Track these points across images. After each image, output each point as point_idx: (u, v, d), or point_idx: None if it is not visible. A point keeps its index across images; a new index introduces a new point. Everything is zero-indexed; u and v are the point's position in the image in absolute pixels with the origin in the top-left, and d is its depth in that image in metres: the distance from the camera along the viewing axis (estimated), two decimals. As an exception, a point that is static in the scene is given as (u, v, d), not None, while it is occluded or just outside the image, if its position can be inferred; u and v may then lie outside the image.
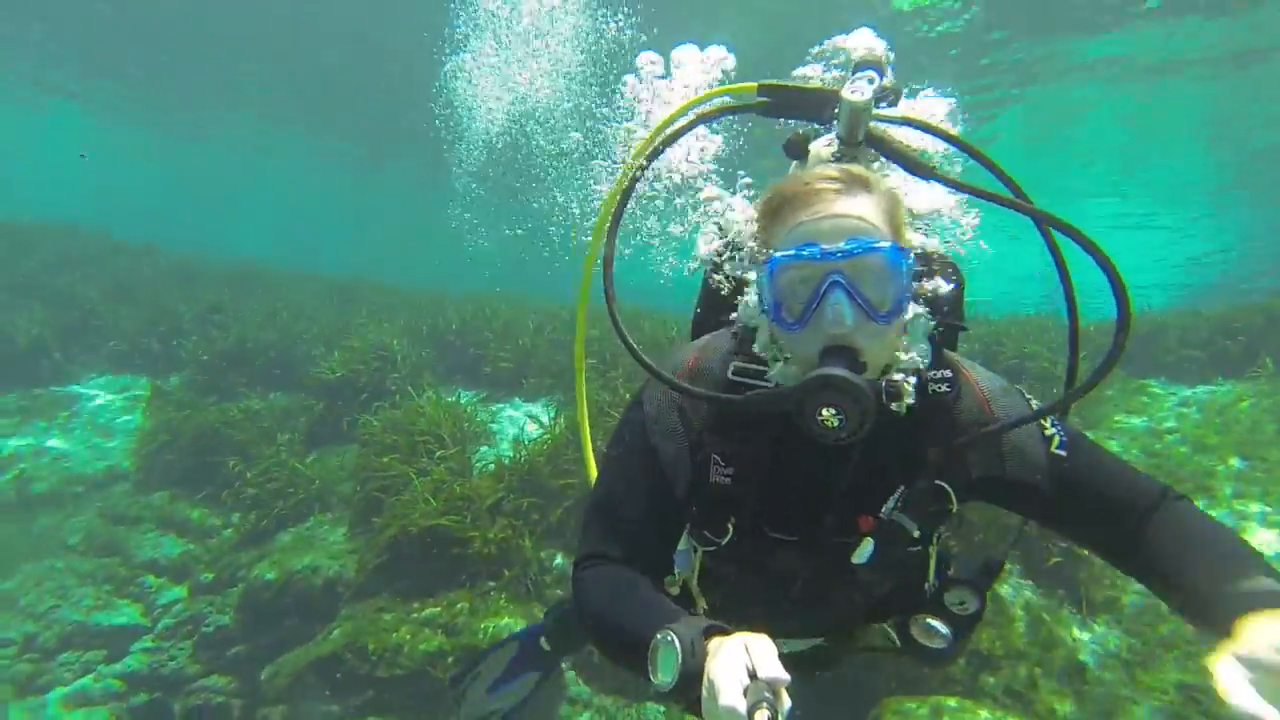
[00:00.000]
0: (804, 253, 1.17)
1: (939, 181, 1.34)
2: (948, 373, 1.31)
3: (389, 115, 14.49)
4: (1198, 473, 5.43)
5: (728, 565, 1.44)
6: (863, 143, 1.41)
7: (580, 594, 1.33)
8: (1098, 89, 11.70)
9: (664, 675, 1.02)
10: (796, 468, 1.33)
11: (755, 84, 1.53)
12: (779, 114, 1.52)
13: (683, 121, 1.60)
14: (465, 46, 7.57)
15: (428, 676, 4.34)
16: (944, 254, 1.43)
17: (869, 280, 1.17)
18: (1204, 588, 1.13)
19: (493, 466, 5.87)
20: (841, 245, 1.16)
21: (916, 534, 1.30)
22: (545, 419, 7.02)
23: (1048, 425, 1.34)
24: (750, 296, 1.36)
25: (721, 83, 1.66)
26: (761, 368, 1.33)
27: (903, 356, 1.26)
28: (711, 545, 1.38)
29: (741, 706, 0.89)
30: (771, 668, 0.93)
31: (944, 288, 1.36)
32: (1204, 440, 5.83)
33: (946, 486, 1.31)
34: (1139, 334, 8.37)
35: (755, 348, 1.35)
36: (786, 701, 0.91)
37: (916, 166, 1.35)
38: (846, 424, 1.11)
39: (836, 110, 1.41)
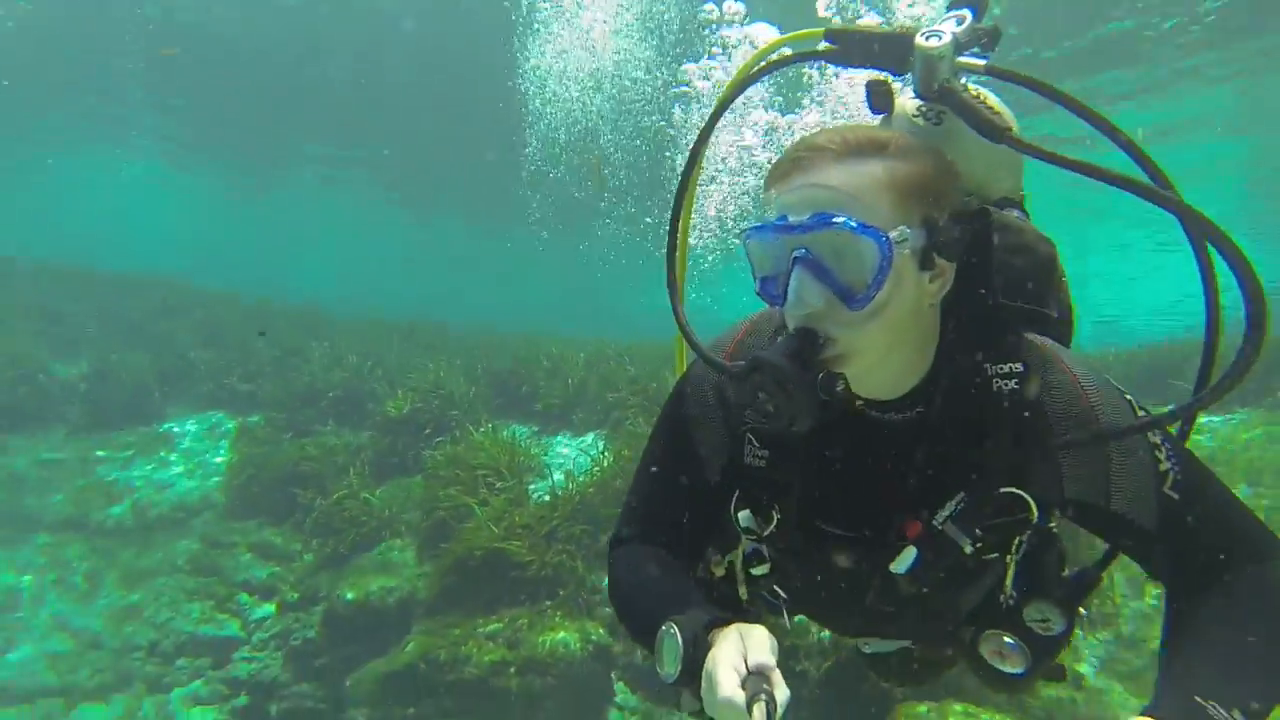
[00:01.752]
0: (765, 227, 1.09)
1: (1011, 145, 1.15)
2: (1017, 365, 1.14)
3: (451, 159, 15.18)
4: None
5: (779, 554, 1.34)
6: (939, 97, 1.24)
7: (610, 574, 1.35)
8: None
9: (669, 667, 1.02)
10: (846, 457, 1.21)
11: (821, 29, 1.42)
12: (848, 62, 1.37)
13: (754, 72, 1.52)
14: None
15: (492, 683, 4.88)
16: (1019, 226, 1.25)
17: (839, 256, 1.03)
18: (1187, 657, 1.05)
19: (547, 497, 6.45)
20: (803, 219, 1.04)
21: (968, 549, 1.14)
22: (594, 452, 7.60)
23: (1162, 456, 1.14)
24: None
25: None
26: None
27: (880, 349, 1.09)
28: (753, 533, 1.28)
29: (740, 698, 0.89)
30: (760, 655, 0.93)
31: (1016, 260, 1.19)
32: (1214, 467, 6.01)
33: (1025, 495, 1.13)
34: (1156, 363, 8.54)
35: None
36: (783, 691, 0.90)
37: (987, 127, 1.16)
38: (779, 413, 1.03)
39: (911, 58, 1.25)
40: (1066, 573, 1.38)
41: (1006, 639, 1.32)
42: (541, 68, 9.23)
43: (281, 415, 9.15)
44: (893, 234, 1.02)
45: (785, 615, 1.41)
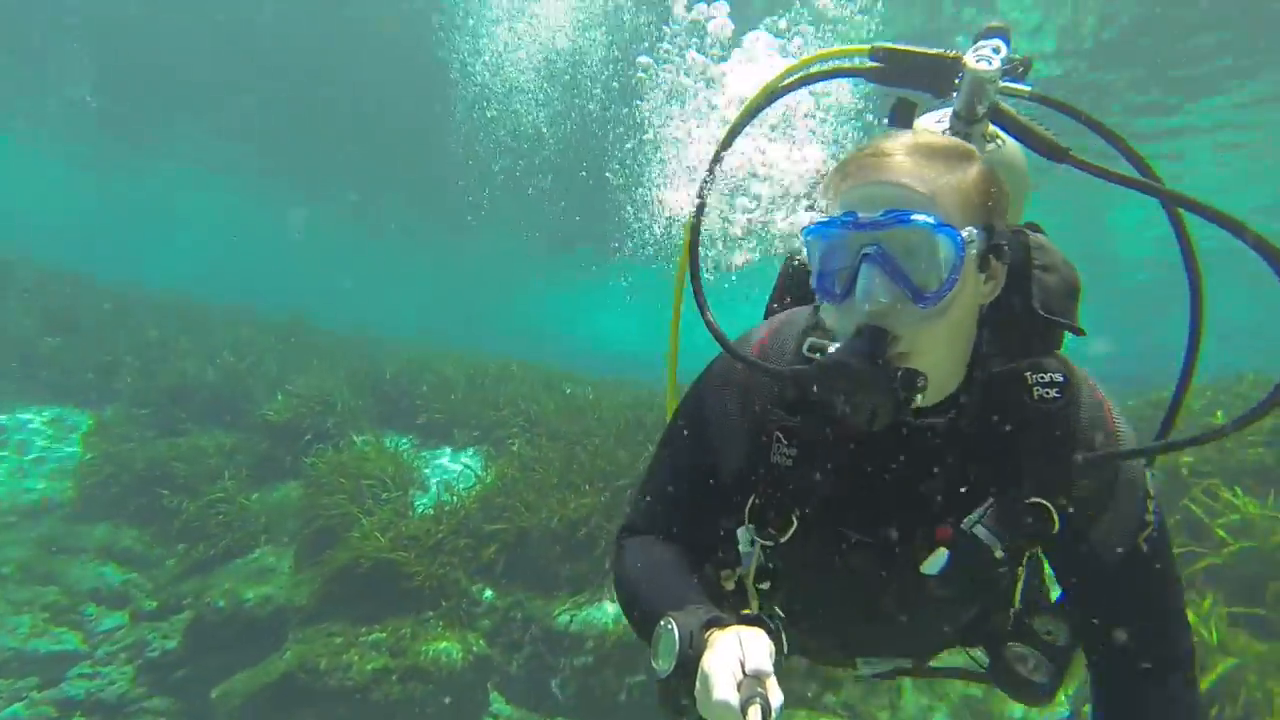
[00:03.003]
0: (835, 221, 1.09)
1: (1073, 165, 1.21)
2: (1059, 376, 1.16)
3: (357, 140, 14.08)
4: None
5: (791, 564, 1.34)
6: (983, 119, 1.30)
7: (616, 564, 1.36)
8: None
9: (663, 662, 1.03)
10: (873, 458, 1.21)
11: (869, 46, 1.44)
12: (892, 80, 1.41)
13: (789, 81, 1.54)
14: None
15: (375, 692, 5.10)
16: (1051, 248, 1.30)
17: (911, 257, 1.06)
18: None
19: (431, 510, 6.70)
20: (875, 215, 1.06)
21: (999, 553, 1.15)
22: (476, 468, 7.91)
23: (1151, 508, 1.18)
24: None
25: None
26: (832, 343, 1.19)
27: (940, 348, 1.11)
28: (772, 540, 1.28)
29: (735, 701, 0.89)
30: (758, 660, 0.93)
31: (1049, 277, 1.23)
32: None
33: (1049, 505, 1.14)
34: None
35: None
36: (777, 696, 0.91)
37: (1047, 147, 1.23)
38: (856, 414, 1.05)
39: (957, 80, 1.30)
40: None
41: (1026, 649, 1.33)
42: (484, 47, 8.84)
43: (145, 412, 8.64)
44: (963, 234, 1.05)
45: (782, 641, 1.35)
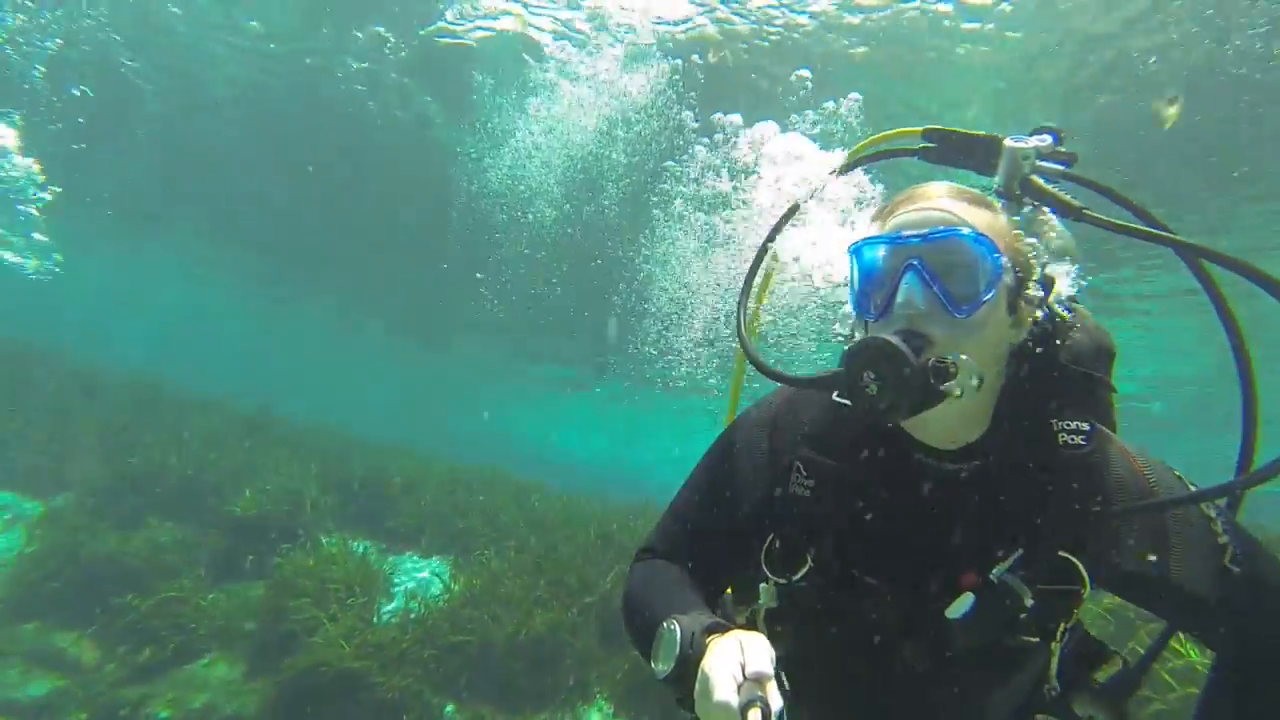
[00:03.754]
0: (881, 238, 1.18)
1: (1088, 221, 1.29)
2: (1084, 425, 1.18)
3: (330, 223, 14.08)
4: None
5: (803, 609, 1.29)
6: (1020, 195, 1.41)
7: (627, 581, 1.39)
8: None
9: (663, 663, 1.03)
10: (894, 501, 1.22)
11: (920, 129, 1.58)
12: (942, 160, 1.55)
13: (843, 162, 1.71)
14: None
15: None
16: (1083, 311, 1.35)
17: (949, 270, 1.14)
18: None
19: (396, 618, 6.63)
20: (921, 231, 1.15)
21: (1029, 601, 1.12)
22: (444, 576, 7.87)
23: (1219, 529, 1.16)
24: (848, 306, 1.29)
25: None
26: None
27: (969, 361, 1.11)
28: (784, 578, 1.26)
29: (735, 703, 0.89)
30: (758, 663, 0.93)
31: (1078, 335, 1.27)
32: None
33: (1077, 562, 1.13)
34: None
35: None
36: (777, 700, 0.91)
37: (1063, 207, 1.35)
38: (883, 392, 1.06)
39: (998, 159, 1.43)
40: (1104, 676, 1.36)
41: None
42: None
43: (96, 500, 8.41)
44: (1002, 256, 1.14)
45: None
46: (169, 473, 8.97)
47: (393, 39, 8.78)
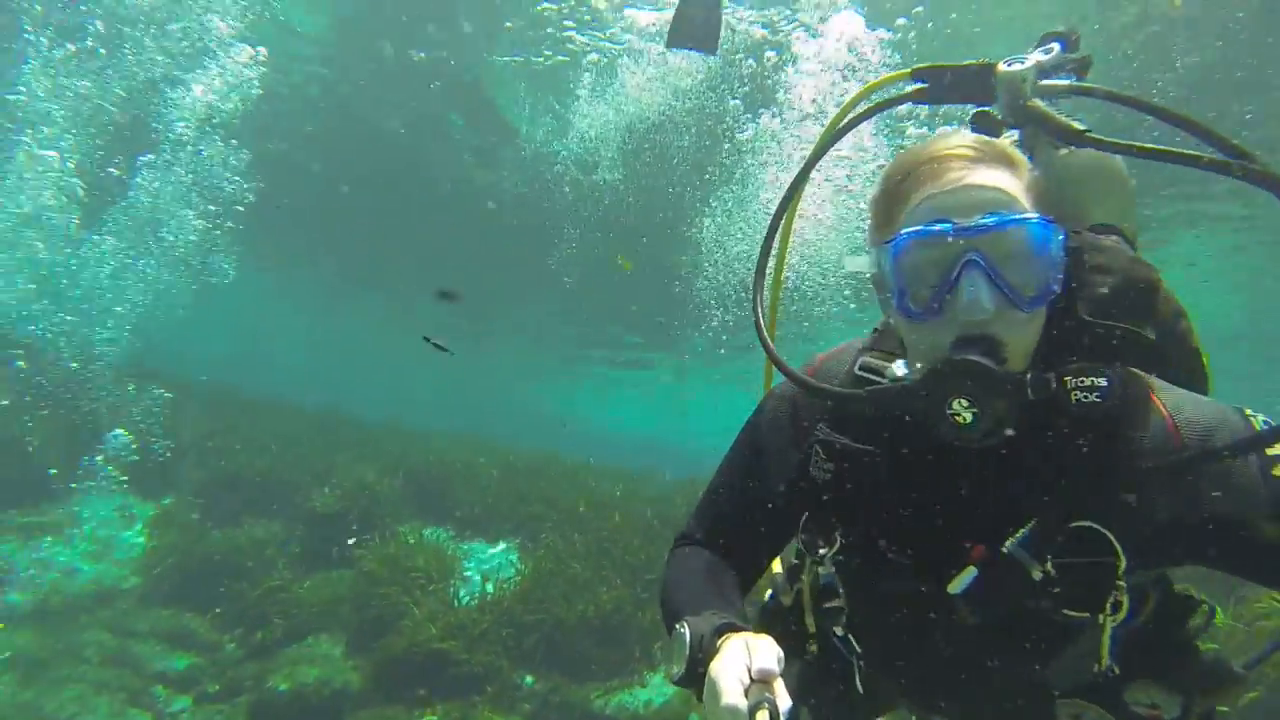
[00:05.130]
0: (935, 229, 1.03)
1: (1093, 145, 1.21)
2: (1100, 380, 1.05)
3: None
4: None
5: (846, 583, 1.29)
6: (1028, 122, 1.30)
7: (664, 570, 1.40)
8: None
9: (676, 666, 1.03)
10: (911, 477, 1.18)
11: (909, 70, 1.47)
12: (938, 99, 1.44)
13: (845, 122, 1.56)
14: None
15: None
16: (1113, 248, 1.23)
17: (1012, 260, 1.02)
18: None
19: (472, 600, 7.31)
20: (979, 220, 1.01)
21: (1038, 575, 1.07)
22: (512, 558, 8.54)
23: (1264, 439, 1.03)
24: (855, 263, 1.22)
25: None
26: (886, 363, 1.22)
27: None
28: (816, 554, 1.25)
29: (743, 705, 0.88)
30: (764, 663, 0.92)
31: (1103, 278, 1.17)
32: None
33: (1099, 528, 1.06)
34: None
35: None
36: (785, 700, 0.89)
37: (1064, 131, 1.25)
38: (981, 419, 0.99)
39: (995, 85, 1.32)
40: (1195, 628, 1.25)
41: (1089, 714, 1.21)
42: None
43: (200, 500, 9.35)
44: (1061, 235, 1.03)
45: (856, 672, 1.35)
46: (256, 473, 9.86)
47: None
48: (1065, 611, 1.10)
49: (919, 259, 1.07)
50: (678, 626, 1.07)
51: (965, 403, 1.00)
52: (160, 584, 7.96)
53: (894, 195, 1.13)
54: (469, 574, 8.57)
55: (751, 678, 0.92)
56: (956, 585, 1.13)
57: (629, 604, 6.92)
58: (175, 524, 8.75)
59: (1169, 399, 1.13)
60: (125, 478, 9.88)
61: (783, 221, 1.57)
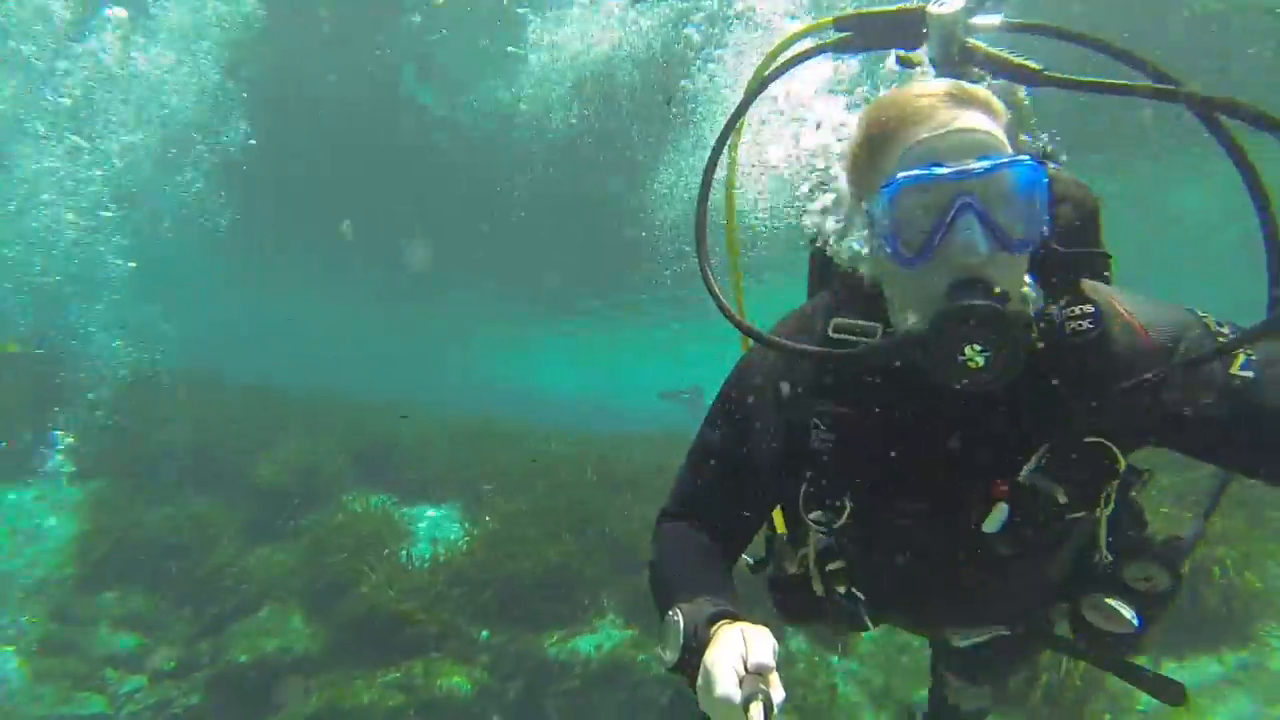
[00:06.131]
0: (933, 172, 1.03)
1: (1050, 84, 1.20)
2: (1088, 306, 1.12)
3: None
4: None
5: (856, 546, 1.33)
6: (960, 62, 1.28)
7: (652, 549, 1.37)
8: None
9: (669, 653, 1.04)
10: (914, 431, 1.18)
11: (830, 19, 1.44)
12: (865, 47, 1.41)
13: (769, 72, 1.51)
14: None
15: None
16: (1066, 174, 1.26)
17: (1003, 203, 1.03)
18: None
19: (426, 564, 7.60)
20: (973, 163, 1.02)
21: (1063, 499, 1.12)
22: (462, 521, 8.83)
23: (1221, 344, 1.08)
24: (850, 240, 1.20)
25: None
26: (866, 323, 1.19)
27: (1029, 292, 1.10)
28: (824, 528, 1.26)
29: (737, 697, 0.89)
30: (760, 656, 0.93)
31: (1061, 209, 1.19)
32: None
33: (1105, 442, 1.12)
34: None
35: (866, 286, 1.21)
36: (779, 692, 0.90)
37: (1020, 72, 1.23)
38: (994, 363, 0.99)
39: (925, 30, 1.30)
40: (1158, 536, 1.37)
41: (1109, 600, 1.31)
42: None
43: (131, 480, 9.12)
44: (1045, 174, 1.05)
45: (865, 619, 1.39)
46: (193, 449, 9.66)
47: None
48: (1067, 516, 1.18)
49: (913, 204, 1.06)
50: (670, 613, 1.09)
51: (978, 347, 1.00)
52: (99, 569, 7.84)
53: (878, 141, 1.11)
54: (418, 538, 8.82)
55: (746, 669, 0.93)
56: (992, 523, 1.17)
57: (576, 558, 7.37)
58: (107, 507, 8.54)
59: (1128, 305, 1.19)
60: (47, 464, 9.51)
61: (719, 174, 1.51)
